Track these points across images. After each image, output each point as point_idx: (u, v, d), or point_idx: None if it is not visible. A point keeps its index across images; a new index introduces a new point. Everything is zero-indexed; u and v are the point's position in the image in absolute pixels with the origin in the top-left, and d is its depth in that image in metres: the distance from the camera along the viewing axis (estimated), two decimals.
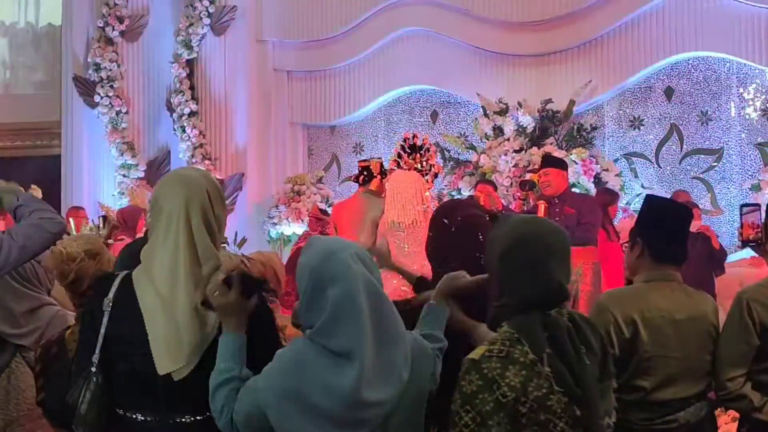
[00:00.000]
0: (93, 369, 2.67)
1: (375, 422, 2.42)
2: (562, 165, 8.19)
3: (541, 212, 7.53)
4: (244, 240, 10.86)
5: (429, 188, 8.62)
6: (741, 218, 3.75)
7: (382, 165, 8.27)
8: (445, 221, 3.24)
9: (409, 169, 8.47)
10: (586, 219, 7.70)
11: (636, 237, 3.43)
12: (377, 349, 2.40)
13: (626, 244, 3.56)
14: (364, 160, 8.47)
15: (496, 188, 9.43)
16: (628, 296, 3.39)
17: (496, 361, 2.37)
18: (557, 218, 7.79)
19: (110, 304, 2.68)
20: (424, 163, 9.04)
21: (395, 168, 8.70)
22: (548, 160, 8.33)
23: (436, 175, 9.38)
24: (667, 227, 3.39)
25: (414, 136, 9.14)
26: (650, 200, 3.56)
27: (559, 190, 7.92)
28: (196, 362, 2.61)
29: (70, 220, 8.96)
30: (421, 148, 9.14)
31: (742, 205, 3.81)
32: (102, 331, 2.67)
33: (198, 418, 2.66)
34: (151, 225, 2.76)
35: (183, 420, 2.65)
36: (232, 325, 2.58)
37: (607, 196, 9.04)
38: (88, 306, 2.79)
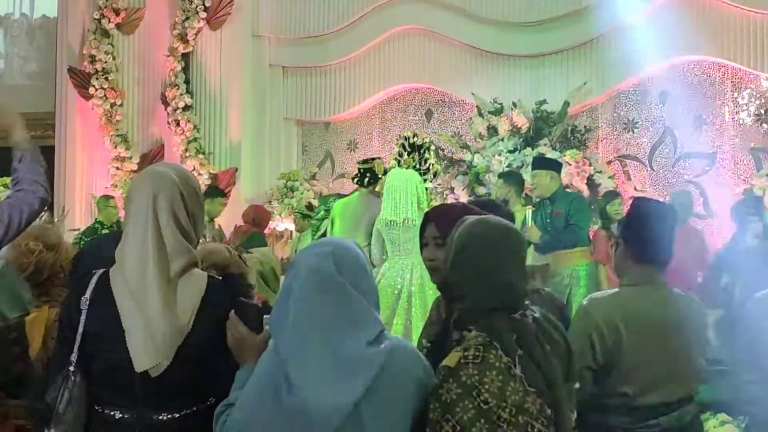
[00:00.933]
0: (71, 368, 2.66)
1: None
2: (551, 166, 8.19)
3: (528, 217, 7.54)
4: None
5: (428, 187, 8.64)
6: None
7: (384, 167, 8.28)
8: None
9: (407, 168, 8.47)
10: (573, 220, 7.70)
11: (619, 237, 3.44)
12: (332, 325, 2.35)
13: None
14: (365, 162, 8.44)
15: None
16: (610, 301, 3.38)
17: (473, 367, 2.36)
18: (547, 220, 7.80)
19: (87, 303, 2.67)
20: (424, 162, 9.04)
21: (395, 166, 8.71)
22: (537, 162, 8.36)
23: (435, 174, 9.38)
24: (648, 227, 3.37)
25: (414, 135, 9.14)
26: (636, 202, 3.57)
27: (548, 191, 7.93)
28: (171, 357, 2.59)
29: (99, 209, 9.22)
30: (421, 147, 9.15)
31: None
32: (80, 329, 2.66)
33: (176, 415, 2.65)
34: (124, 221, 2.77)
35: (161, 417, 2.64)
36: (243, 359, 2.58)
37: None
38: (66, 304, 2.79)
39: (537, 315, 2.57)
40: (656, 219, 3.41)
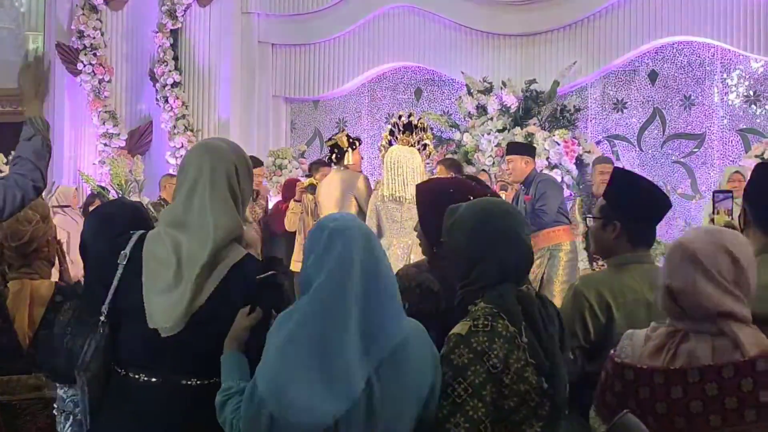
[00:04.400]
0: (102, 318, 2.68)
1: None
2: (524, 151, 8.26)
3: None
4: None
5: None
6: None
7: (348, 136, 8.25)
8: (439, 197, 3.23)
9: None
10: (537, 204, 7.77)
11: (612, 218, 3.39)
12: (367, 285, 2.36)
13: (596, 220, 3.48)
14: (330, 138, 8.43)
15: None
16: (601, 280, 3.37)
17: (483, 334, 2.47)
18: (522, 204, 7.86)
19: (126, 258, 2.69)
20: (419, 142, 9.02)
21: (387, 144, 8.68)
22: (511, 148, 8.44)
23: (429, 155, 9.37)
24: (647, 212, 3.36)
25: (410, 114, 9.13)
26: (625, 178, 3.49)
27: (522, 175, 8.01)
28: (183, 322, 2.60)
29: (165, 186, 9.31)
30: (416, 126, 9.13)
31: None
32: (115, 283, 2.68)
33: (205, 382, 2.63)
34: (177, 189, 2.77)
35: (188, 383, 2.63)
36: (235, 344, 2.57)
37: None
38: (100, 258, 2.81)
39: (534, 290, 2.70)
40: (655, 204, 3.38)
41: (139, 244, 2.72)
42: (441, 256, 3.13)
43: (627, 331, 2.76)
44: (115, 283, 2.68)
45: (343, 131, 8.63)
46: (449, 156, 10.11)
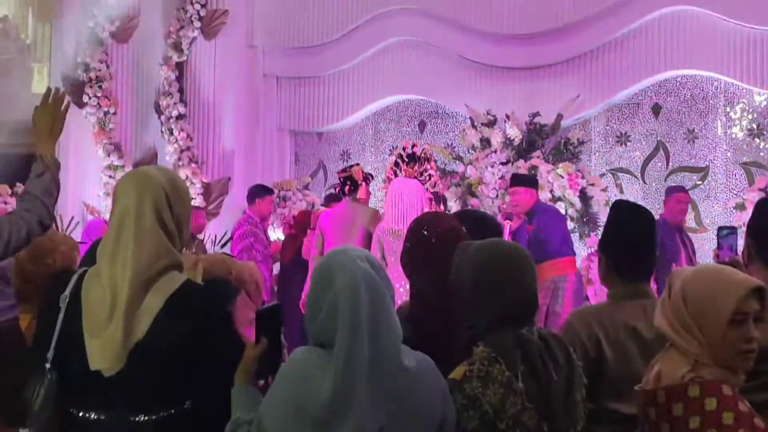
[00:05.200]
0: (47, 366, 2.65)
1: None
2: (528, 183, 8.26)
3: (505, 234, 7.55)
4: (230, 239, 10.82)
5: (429, 197, 8.60)
6: (718, 241, 3.74)
7: (363, 171, 8.26)
8: (425, 232, 3.23)
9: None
10: (541, 235, 7.76)
11: (600, 251, 3.40)
12: (374, 343, 2.34)
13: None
14: (344, 170, 8.43)
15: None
16: (592, 314, 3.35)
17: (477, 380, 2.48)
18: (528, 236, 7.84)
19: (66, 300, 2.66)
20: (423, 173, 9.03)
21: (392, 176, 8.68)
22: (515, 179, 8.42)
23: (434, 186, 9.37)
24: (629, 240, 3.33)
25: (413, 146, 9.14)
26: (616, 207, 3.50)
27: (526, 207, 8.00)
28: (123, 358, 2.57)
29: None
30: (419, 157, 9.14)
31: (720, 228, 3.80)
32: (57, 327, 2.65)
33: (152, 417, 2.62)
34: (109, 222, 2.75)
35: (137, 419, 2.61)
36: (245, 377, 2.55)
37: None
38: (45, 302, 2.78)
39: (542, 331, 2.70)
40: (638, 232, 3.35)
41: (79, 282, 2.69)
42: (421, 296, 3.15)
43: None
44: (57, 327, 2.66)
45: (357, 165, 8.64)
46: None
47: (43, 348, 2.67)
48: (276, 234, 11.61)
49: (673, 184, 9.95)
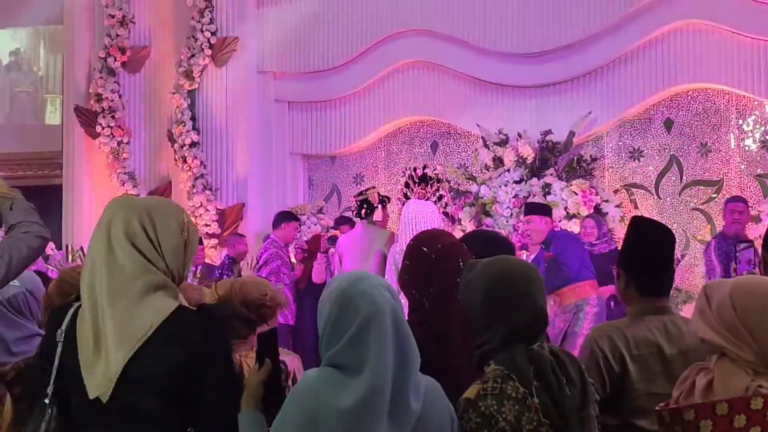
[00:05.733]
0: (47, 401, 2.65)
1: None
2: (543, 211, 8.25)
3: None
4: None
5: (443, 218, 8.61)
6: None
7: (379, 194, 8.28)
8: (425, 249, 3.22)
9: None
10: (560, 260, 7.77)
11: (620, 269, 3.39)
12: (397, 371, 2.35)
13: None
14: (360, 194, 8.46)
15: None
16: (614, 330, 3.34)
17: (491, 398, 2.46)
18: (545, 264, 7.84)
19: (63, 335, 2.66)
20: (435, 194, 9.03)
21: (404, 198, 8.69)
22: (529, 208, 8.41)
23: (446, 206, 9.37)
24: (652, 260, 3.33)
25: (425, 167, 9.15)
26: (634, 224, 3.49)
27: (541, 236, 8.00)
28: (111, 385, 2.55)
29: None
30: (431, 178, 9.15)
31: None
32: (56, 362, 2.65)
33: None
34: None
35: None
36: (252, 401, 2.54)
37: None
38: (45, 338, 2.78)
39: (553, 347, 2.70)
40: (660, 251, 3.36)
41: (74, 317, 2.68)
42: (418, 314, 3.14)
43: None
44: (56, 361, 2.66)
45: (373, 188, 8.66)
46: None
47: (43, 383, 2.67)
48: (291, 258, 11.63)
49: (732, 195, 9.82)
